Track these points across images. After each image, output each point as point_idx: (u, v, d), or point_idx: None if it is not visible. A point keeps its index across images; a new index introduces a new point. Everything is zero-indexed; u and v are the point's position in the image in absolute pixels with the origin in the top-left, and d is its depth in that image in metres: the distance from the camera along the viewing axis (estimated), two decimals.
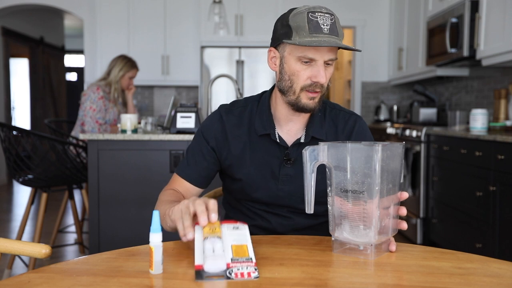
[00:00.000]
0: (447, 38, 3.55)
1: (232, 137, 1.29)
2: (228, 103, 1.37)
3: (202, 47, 5.14)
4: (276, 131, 1.27)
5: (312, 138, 1.26)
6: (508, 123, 3.20)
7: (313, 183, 0.96)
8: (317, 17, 1.13)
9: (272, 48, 1.24)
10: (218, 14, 4.38)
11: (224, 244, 0.87)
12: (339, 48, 1.17)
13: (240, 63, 5.11)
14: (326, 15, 1.14)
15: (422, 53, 4.34)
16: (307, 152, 0.94)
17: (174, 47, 5.38)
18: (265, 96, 1.31)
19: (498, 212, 2.57)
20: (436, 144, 3.37)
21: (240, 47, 5.11)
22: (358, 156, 0.90)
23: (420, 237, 3.58)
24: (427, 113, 4.43)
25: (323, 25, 1.12)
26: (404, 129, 3.87)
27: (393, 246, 0.99)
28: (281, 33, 1.18)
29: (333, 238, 0.98)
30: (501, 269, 0.90)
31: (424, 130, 3.51)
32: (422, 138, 3.51)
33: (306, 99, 1.19)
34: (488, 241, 2.66)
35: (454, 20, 3.49)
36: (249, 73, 5.11)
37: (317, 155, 0.94)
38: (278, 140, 1.26)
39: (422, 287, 0.81)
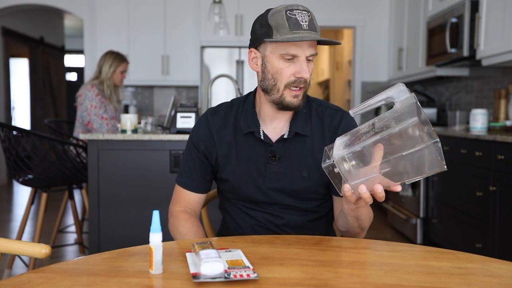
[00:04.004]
0: (447, 38, 3.55)
1: (218, 138, 1.31)
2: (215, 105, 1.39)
3: (202, 47, 5.14)
4: (261, 129, 1.28)
5: (295, 133, 1.27)
6: (508, 123, 3.20)
7: (372, 104, 0.95)
8: (295, 14, 1.15)
9: (253, 49, 1.25)
10: (218, 14, 4.38)
11: (219, 254, 0.87)
12: (318, 43, 1.21)
13: (240, 63, 5.11)
14: (303, 12, 1.17)
15: (422, 53, 4.34)
16: (396, 86, 0.94)
17: (174, 47, 5.38)
18: (251, 96, 1.33)
19: (498, 212, 2.57)
20: None
21: (240, 47, 5.11)
22: (404, 114, 0.91)
23: (420, 237, 3.58)
24: (427, 113, 4.43)
25: (302, 22, 1.15)
26: None
27: (346, 190, 0.98)
28: (261, 33, 1.20)
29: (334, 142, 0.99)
30: (501, 269, 0.90)
31: None
32: None
33: (290, 97, 1.21)
34: (488, 241, 2.66)
35: (454, 20, 3.49)
36: (249, 73, 5.11)
37: (392, 92, 0.94)
38: (262, 137, 1.27)
39: (422, 287, 0.81)
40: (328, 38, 1.17)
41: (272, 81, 1.21)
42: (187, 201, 1.35)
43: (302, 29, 1.14)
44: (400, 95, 0.93)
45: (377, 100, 0.95)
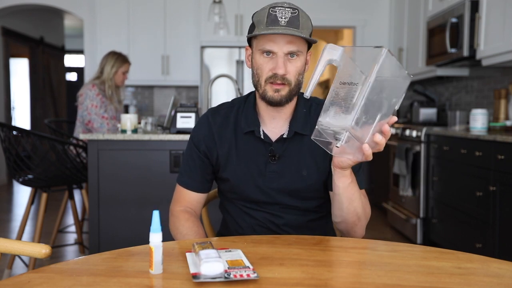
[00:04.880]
0: (447, 38, 3.55)
1: (219, 138, 1.32)
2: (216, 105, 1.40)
3: (202, 47, 5.14)
4: (261, 128, 1.29)
5: (295, 133, 1.27)
6: (508, 123, 3.20)
7: (318, 73, 1.02)
8: (276, 11, 1.17)
9: (248, 47, 1.29)
10: (218, 14, 4.39)
11: (219, 254, 0.87)
12: (312, 43, 1.23)
13: (240, 63, 5.11)
14: (286, 9, 1.18)
15: (422, 53, 4.34)
16: (325, 49, 1.01)
17: (174, 47, 5.38)
18: (252, 96, 1.34)
19: (498, 212, 2.57)
20: (436, 144, 3.37)
21: (240, 47, 5.11)
22: (365, 58, 0.97)
23: (420, 237, 3.58)
24: (427, 113, 4.43)
25: (281, 18, 1.17)
26: (404, 129, 3.87)
27: (366, 149, 1.00)
28: (248, 30, 1.24)
29: (316, 126, 1.01)
30: (501, 269, 0.90)
31: (424, 130, 3.51)
32: (422, 138, 3.51)
33: (271, 92, 1.22)
34: (488, 241, 2.66)
35: (454, 20, 3.49)
36: (249, 73, 5.09)
37: (329, 55, 1.01)
38: (262, 137, 1.28)
39: (422, 287, 0.81)
40: (298, 34, 1.15)
41: (256, 77, 1.24)
42: (187, 200, 1.35)
43: (279, 25, 1.16)
44: (336, 52, 1.00)
45: (320, 70, 1.01)
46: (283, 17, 1.16)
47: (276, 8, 1.18)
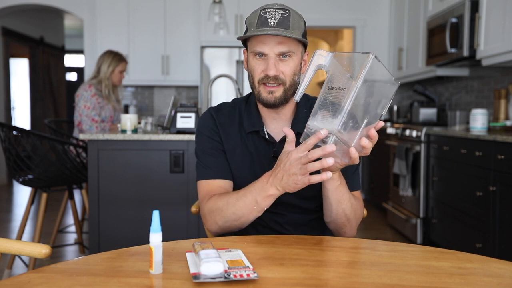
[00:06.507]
0: (447, 38, 3.55)
1: (224, 134, 1.32)
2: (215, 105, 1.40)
3: (202, 47, 5.14)
4: (264, 129, 1.30)
5: (297, 133, 1.27)
6: (508, 123, 3.20)
7: (308, 78, 1.06)
8: (266, 13, 1.19)
9: (244, 50, 1.30)
10: (218, 14, 4.39)
11: (219, 254, 0.87)
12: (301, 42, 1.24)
13: (240, 63, 5.11)
14: (277, 10, 1.19)
15: (422, 53, 4.34)
16: (314, 55, 1.05)
17: (174, 47, 5.38)
18: (253, 96, 1.34)
19: (498, 212, 2.57)
20: (436, 144, 3.37)
21: (240, 47, 5.11)
22: (353, 64, 1.00)
23: (420, 237, 3.58)
24: (427, 113, 4.43)
25: (270, 20, 1.18)
26: (404, 129, 3.87)
27: (352, 153, 1.01)
28: (243, 34, 1.26)
29: (305, 130, 1.04)
30: (501, 269, 0.90)
31: (424, 130, 3.51)
32: (422, 138, 3.51)
33: (265, 93, 1.23)
34: (488, 241, 2.66)
35: (454, 20, 3.49)
36: None
37: (318, 61, 1.04)
38: (267, 137, 1.28)
39: (422, 287, 0.81)
40: (290, 35, 1.16)
41: (251, 79, 1.26)
42: (217, 191, 1.28)
43: (268, 26, 1.17)
44: (325, 58, 1.04)
45: (310, 75, 1.05)
46: (273, 19, 1.17)
47: (266, 10, 1.19)
